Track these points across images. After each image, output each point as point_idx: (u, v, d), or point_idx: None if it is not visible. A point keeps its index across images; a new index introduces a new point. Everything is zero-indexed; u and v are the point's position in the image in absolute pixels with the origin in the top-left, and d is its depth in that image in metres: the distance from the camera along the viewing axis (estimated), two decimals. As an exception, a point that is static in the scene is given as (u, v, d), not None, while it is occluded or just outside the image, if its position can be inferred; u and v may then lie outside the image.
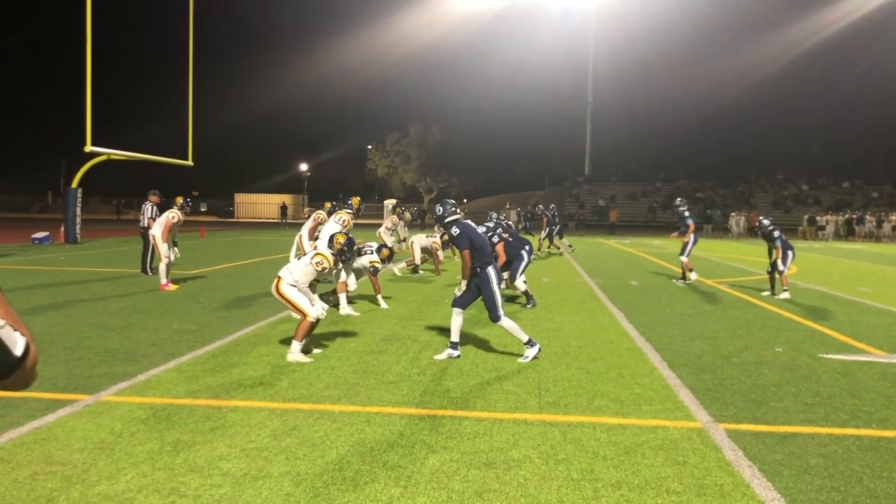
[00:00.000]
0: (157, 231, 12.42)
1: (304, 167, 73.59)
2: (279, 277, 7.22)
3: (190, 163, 28.78)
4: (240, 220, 64.22)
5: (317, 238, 10.50)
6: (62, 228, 24.63)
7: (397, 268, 15.30)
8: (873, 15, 55.57)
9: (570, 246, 24.88)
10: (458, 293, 7.26)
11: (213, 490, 3.86)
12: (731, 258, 22.98)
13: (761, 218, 13.75)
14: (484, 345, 7.87)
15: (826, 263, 21.69)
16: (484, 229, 11.18)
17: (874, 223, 41.95)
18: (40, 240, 24.00)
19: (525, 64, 66.74)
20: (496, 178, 79.50)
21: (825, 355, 7.60)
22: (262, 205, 67.26)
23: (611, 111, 64.51)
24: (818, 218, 43.84)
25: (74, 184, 25.38)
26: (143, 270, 14.32)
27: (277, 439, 4.68)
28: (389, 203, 46.42)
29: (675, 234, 15.25)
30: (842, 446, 4.73)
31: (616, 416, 5.33)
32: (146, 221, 14.52)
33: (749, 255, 23.98)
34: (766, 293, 12.69)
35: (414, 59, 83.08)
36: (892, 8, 53.62)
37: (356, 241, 8.58)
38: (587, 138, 63.12)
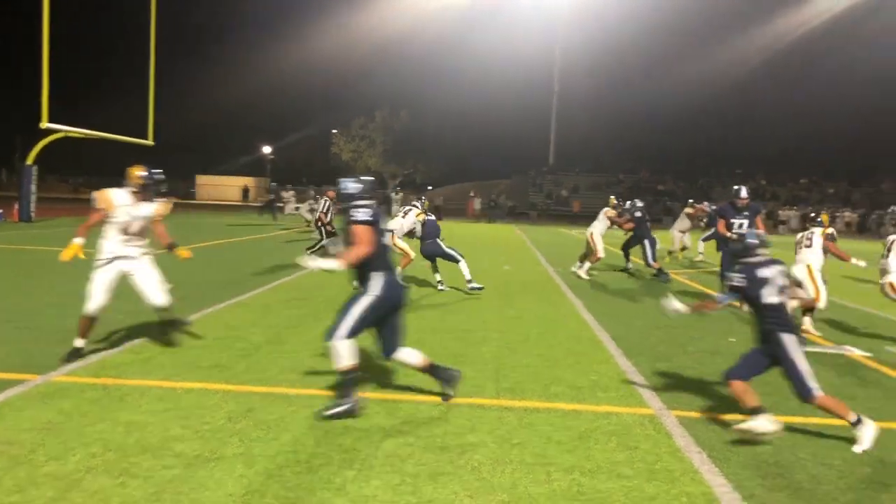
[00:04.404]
0: None
1: (267, 150, 72.64)
2: None
3: (150, 142, 28.20)
4: (201, 202, 63.12)
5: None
6: (15, 206, 24.02)
7: (582, 270, 13.81)
8: (842, 15, 57.14)
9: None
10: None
11: (165, 471, 3.82)
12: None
13: (636, 200, 14.25)
14: (443, 332, 7.89)
15: (782, 257, 22.05)
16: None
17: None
18: (-8, 217, 23.41)
19: (495, 53, 66.55)
20: (461, 166, 79.17)
21: (776, 346, 7.75)
22: (224, 187, 66.00)
23: (577, 103, 64.74)
24: (780, 212, 45.50)
25: (30, 161, 24.76)
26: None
27: (232, 421, 4.65)
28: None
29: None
30: (789, 434, 4.85)
31: (571, 402, 5.39)
32: (318, 215, 14.79)
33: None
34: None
35: (383, 46, 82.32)
36: (860, 9, 55.21)
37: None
38: (552, 128, 63.32)
